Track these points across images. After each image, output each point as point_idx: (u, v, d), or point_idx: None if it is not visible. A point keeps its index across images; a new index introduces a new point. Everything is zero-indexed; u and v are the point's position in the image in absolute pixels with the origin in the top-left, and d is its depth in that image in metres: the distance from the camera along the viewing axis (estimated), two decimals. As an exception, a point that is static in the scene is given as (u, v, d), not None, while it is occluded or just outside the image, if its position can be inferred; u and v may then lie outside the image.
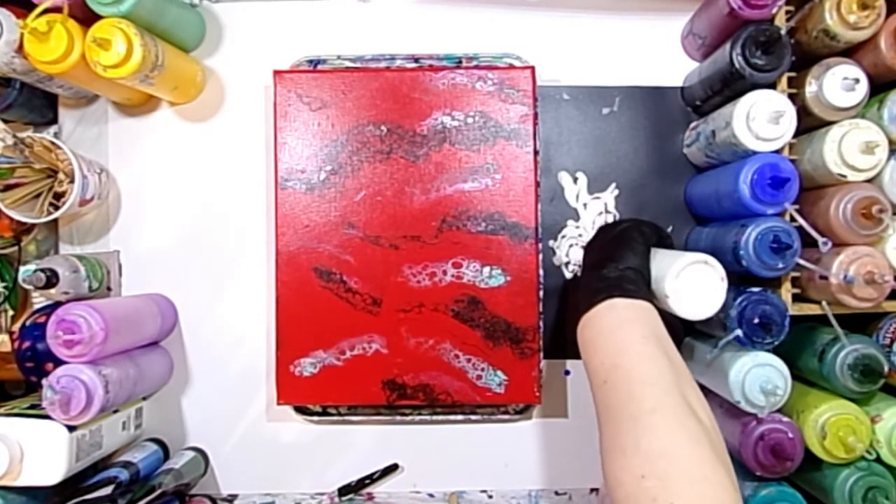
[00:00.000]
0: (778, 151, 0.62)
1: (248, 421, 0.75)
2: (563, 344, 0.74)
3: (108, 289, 0.73)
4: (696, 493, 0.40)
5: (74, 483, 0.63)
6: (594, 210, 0.75)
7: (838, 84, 0.61)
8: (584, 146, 0.75)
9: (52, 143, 0.66)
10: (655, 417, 0.44)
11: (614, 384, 0.47)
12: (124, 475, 0.65)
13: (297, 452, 0.75)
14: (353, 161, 0.70)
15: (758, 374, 0.60)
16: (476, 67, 0.71)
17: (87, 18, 0.61)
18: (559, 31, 0.75)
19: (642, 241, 0.58)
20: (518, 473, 0.75)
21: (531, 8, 0.75)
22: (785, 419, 0.61)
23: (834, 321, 0.61)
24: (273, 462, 0.75)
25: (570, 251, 0.75)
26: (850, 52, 0.62)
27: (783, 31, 0.61)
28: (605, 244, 0.59)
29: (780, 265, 0.60)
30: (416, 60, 0.74)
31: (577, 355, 0.73)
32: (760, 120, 0.61)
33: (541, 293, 0.70)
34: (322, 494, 0.75)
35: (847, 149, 0.60)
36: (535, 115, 0.70)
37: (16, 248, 0.71)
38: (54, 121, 0.75)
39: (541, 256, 0.70)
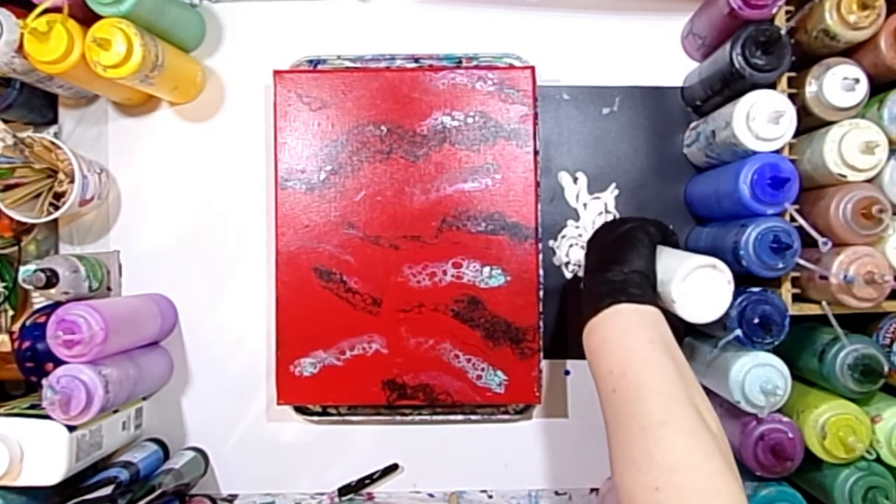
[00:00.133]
0: (778, 151, 0.62)
1: (248, 421, 0.75)
2: (563, 344, 0.74)
3: (108, 289, 0.73)
4: None
5: (74, 483, 0.63)
6: (594, 210, 0.75)
7: (838, 84, 0.60)
8: (584, 146, 0.75)
9: (52, 143, 0.66)
10: (666, 430, 0.43)
11: (623, 393, 0.47)
12: (124, 475, 0.65)
13: (297, 452, 0.75)
14: (353, 161, 0.70)
15: (758, 374, 0.60)
16: (476, 67, 0.71)
17: (87, 18, 0.61)
18: (559, 31, 0.75)
19: (648, 243, 0.56)
20: (518, 473, 0.75)
21: (531, 8, 0.75)
22: (785, 419, 0.61)
23: (834, 321, 0.61)
24: (273, 462, 0.75)
25: (570, 251, 0.75)
26: (850, 52, 0.62)
27: (783, 31, 0.61)
28: (609, 245, 0.58)
29: (780, 265, 0.60)
30: (416, 60, 0.74)
31: (577, 355, 0.75)
32: (760, 120, 0.61)
33: (541, 293, 0.70)
34: (322, 494, 0.75)
35: (847, 149, 0.60)
36: (535, 115, 0.70)
37: (16, 248, 0.71)
38: (54, 121, 0.75)
39: (541, 256, 0.70)
